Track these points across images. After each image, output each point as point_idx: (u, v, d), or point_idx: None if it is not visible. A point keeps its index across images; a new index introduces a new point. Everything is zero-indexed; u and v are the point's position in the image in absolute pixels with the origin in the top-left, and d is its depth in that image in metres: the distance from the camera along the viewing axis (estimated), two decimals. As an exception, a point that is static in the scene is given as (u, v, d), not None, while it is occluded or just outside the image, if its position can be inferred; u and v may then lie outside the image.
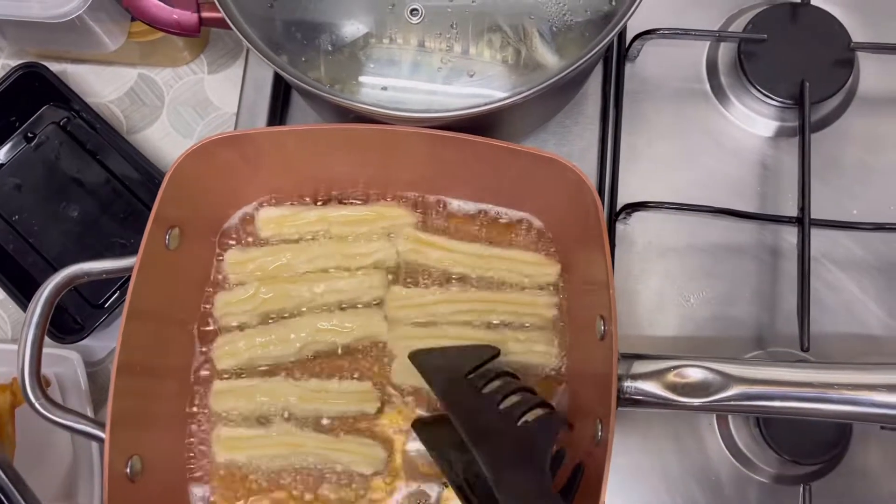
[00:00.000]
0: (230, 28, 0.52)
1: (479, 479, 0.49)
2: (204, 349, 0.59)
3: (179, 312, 0.58)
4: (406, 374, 0.57)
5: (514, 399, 0.49)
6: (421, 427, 0.56)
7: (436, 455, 0.53)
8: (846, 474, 0.58)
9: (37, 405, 0.49)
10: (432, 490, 0.56)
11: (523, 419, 0.47)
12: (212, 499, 0.56)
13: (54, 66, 0.71)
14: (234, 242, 0.60)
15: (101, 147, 0.70)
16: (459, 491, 0.50)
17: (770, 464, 0.58)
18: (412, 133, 0.54)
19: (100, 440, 0.49)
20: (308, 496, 0.56)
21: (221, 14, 0.52)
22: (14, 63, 0.69)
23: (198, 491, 0.56)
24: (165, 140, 0.72)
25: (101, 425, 0.50)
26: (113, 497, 0.48)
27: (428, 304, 0.59)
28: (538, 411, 0.48)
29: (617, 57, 0.67)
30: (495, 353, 0.54)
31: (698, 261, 0.64)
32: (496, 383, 0.50)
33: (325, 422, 0.57)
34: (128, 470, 0.50)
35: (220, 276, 0.60)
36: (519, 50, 0.53)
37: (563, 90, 0.61)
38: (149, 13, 0.53)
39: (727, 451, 0.60)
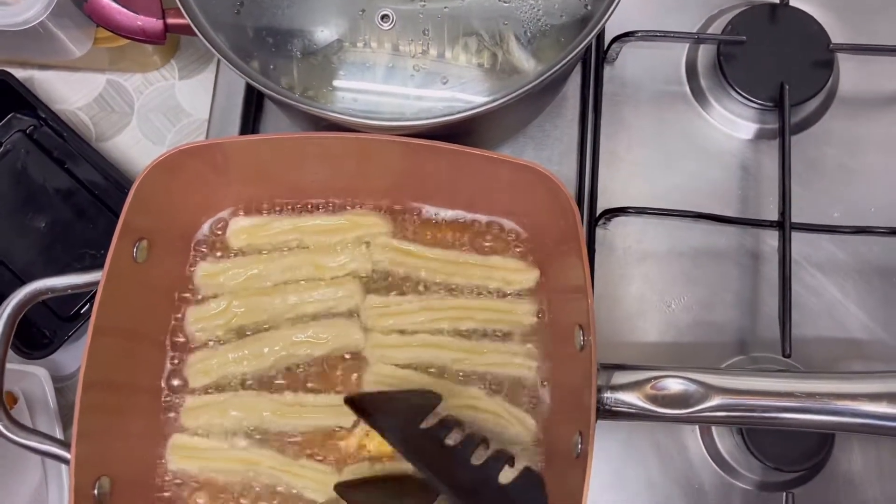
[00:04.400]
0: (196, 35, 0.50)
1: None
2: (175, 364, 0.57)
3: (149, 327, 0.56)
4: (377, 385, 0.56)
5: (484, 453, 0.46)
6: (346, 490, 0.52)
7: None
8: (829, 480, 0.58)
9: (0, 428, 0.48)
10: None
11: (503, 474, 0.44)
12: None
13: (20, 73, 0.69)
14: (205, 253, 0.59)
15: (69, 155, 0.68)
16: None
17: (753, 471, 0.58)
18: (386, 141, 0.52)
19: (66, 461, 0.48)
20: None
21: (187, 20, 0.50)
22: (-22, 70, 0.68)
23: (169, 509, 0.55)
24: (136, 147, 0.71)
25: (68, 445, 0.48)
26: (79, 522, 0.47)
27: (405, 312, 0.58)
28: (509, 467, 0.45)
29: (595, 59, 0.66)
30: (438, 398, 0.51)
31: (679, 265, 0.63)
32: (456, 435, 0.47)
33: (295, 438, 0.55)
34: (95, 491, 0.49)
35: (191, 289, 0.58)
36: (495, 54, 0.52)
37: (541, 94, 0.60)
38: (112, 21, 0.51)
39: (710, 459, 0.59)
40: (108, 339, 0.50)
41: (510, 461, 0.45)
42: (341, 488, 0.51)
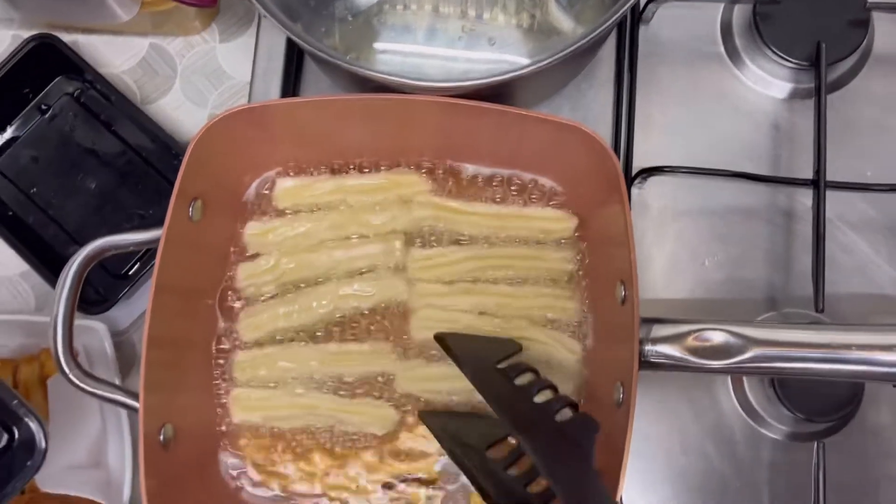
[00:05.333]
0: (247, -2, 0.52)
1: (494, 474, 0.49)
2: (227, 319, 0.59)
3: (203, 283, 0.58)
4: (424, 330, 0.58)
5: (547, 394, 0.48)
6: (429, 417, 0.56)
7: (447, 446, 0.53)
8: (858, 431, 0.60)
9: (72, 377, 0.50)
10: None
11: (558, 416, 0.46)
12: (241, 463, 0.57)
13: (65, 37, 0.70)
14: (253, 213, 0.61)
15: (116, 118, 0.70)
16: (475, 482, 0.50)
17: (784, 422, 0.60)
18: (429, 102, 0.54)
19: (133, 409, 0.50)
20: (327, 454, 0.57)
21: (238, -16, 0.51)
22: (26, 34, 0.69)
23: (227, 456, 0.58)
24: (180, 110, 0.72)
25: (133, 394, 0.51)
26: (148, 464, 0.49)
27: (448, 263, 0.59)
28: (569, 410, 0.47)
29: (631, 20, 0.66)
30: (518, 348, 0.55)
31: (712, 224, 0.64)
32: (527, 376, 0.50)
33: (343, 384, 0.58)
34: (161, 437, 0.52)
35: (241, 247, 0.60)
36: (534, 15, 0.53)
37: (582, 55, 0.61)
38: (165, -16, 0.53)
39: (742, 411, 0.61)
40: (168, 295, 0.52)
41: (573, 406, 0.47)
42: (423, 415, 0.56)
